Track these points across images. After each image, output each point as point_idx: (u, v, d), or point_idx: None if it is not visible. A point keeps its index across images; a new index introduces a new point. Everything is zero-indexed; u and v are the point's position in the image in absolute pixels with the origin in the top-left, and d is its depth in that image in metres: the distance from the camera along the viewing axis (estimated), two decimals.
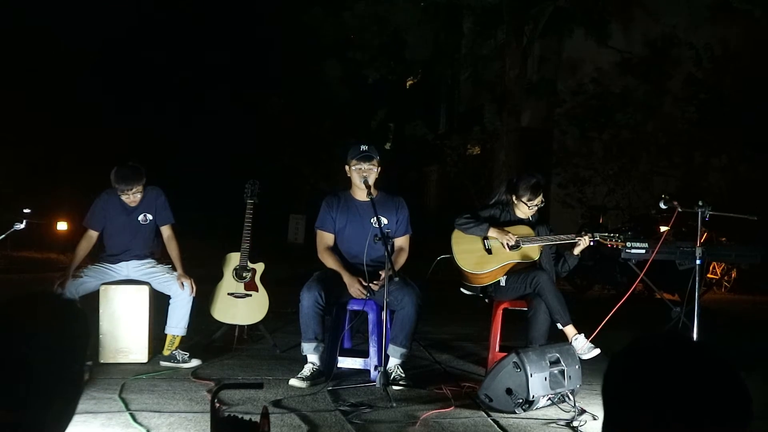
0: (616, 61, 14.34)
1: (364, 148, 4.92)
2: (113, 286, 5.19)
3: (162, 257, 5.43)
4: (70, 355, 1.46)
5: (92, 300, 5.11)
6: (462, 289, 5.22)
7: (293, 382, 4.61)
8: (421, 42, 14.33)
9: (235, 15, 21.36)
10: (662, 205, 4.62)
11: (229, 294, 5.58)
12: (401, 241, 5.04)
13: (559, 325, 4.82)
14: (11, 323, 1.44)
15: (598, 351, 4.74)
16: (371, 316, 4.84)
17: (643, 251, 5.17)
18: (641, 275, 5.06)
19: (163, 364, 5.07)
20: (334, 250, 4.99)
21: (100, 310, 5.11)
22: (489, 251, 5.03)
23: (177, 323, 5.15)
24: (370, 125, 17.44)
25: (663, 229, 8.09)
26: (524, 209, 5.10)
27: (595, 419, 4.09)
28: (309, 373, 4.65)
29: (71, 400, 1.47)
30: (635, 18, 14.65)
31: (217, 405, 2.09)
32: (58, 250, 12.34)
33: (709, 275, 9.82)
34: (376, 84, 17.88)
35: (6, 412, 1.37)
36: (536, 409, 4.17)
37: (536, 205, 5.08)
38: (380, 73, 15.48)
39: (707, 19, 13.61)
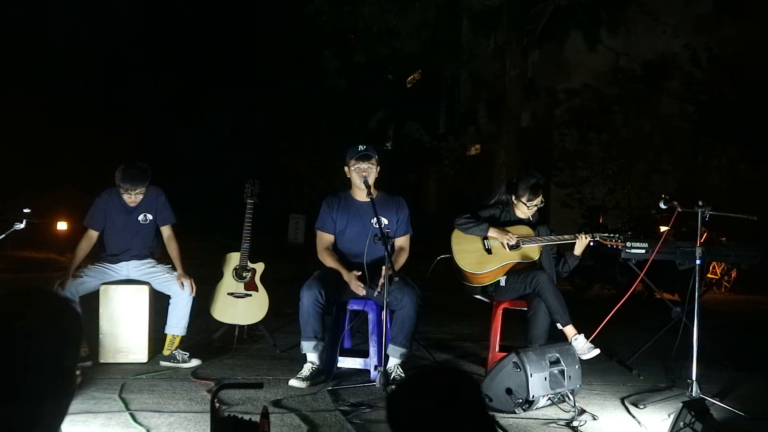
0: (614, 63, 14.33)
1: (362, 147, 4.92)
2: (113, 286, 5.19)
3: (162, 257, 5.43)
4: (62, 351, 1.46)
5: (92, 300, 5.11)
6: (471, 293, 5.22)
7: (293, 382, 4.61)
8: (419, 38, 14.32)
9: (234, 13, 21.35)
10: (662, 205, 4.61)
11: (229, 294, 5.58)
12: (401, 241, 5.04)
13: (559, 325, 4.82)
14: (4, 318, 1.44)
15: (597, 351, 4.74)
16: (371, 316, 4.84)
17: (643, 251, 5.16)
18: (641, 275, 5.05)
19: (163, 363, 5.07)
20: (334, 250, 4.99)
21: (100, 310, 5.11)
22: (489, 251, 5.03)
23: (177, 323, 5.15)
24: (368, 127, 17.44)
25: (663, 229, 8.08)
26: (524, 209, 5.10)
27: (595, 419, 4.09)
28: (308, 373, 4.65)
29: (64, 397, 1.47)
30: (634, 18, 14.64)
31: (217, 405, 2.09)
32: (58, 250, 12.32)
33: (709, 275, 9.82)
34: (376, 84, 17.86)
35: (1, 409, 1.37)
36: (536, 409, 4.17)
37: (536, 205, 5.08)
38: (369, 58, 15.44)
39: (705, 19, 13.62)
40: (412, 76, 21.22)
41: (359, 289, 4.74)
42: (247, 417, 2.07)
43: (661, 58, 13.91)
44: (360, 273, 4.74)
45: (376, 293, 4.70)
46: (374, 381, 4.50)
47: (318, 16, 14.93)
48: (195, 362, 5.12)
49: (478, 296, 5.23)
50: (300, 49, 17.81)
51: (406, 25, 14.09)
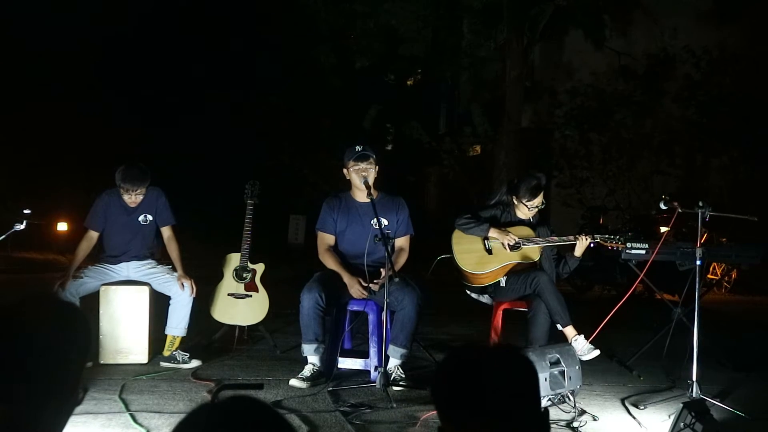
0: (614, 63, 14.32)
1: (359, 148, 4.92)
2: (113, 287, 5.19)
3: (162, 258, 5.43)
4: (67, 355, 1.47)
5: (92, 301, 5.11)
6: (468, 292, 5.22)
7: (293, 382, 4.61)
8: (418, 38, 14.31)
9: (233, 13, 21.33)
10: (662, 206, 4.61)
11: (229, 294, 5.58)
12: (402, 242, 5.04)
13: (559, 326, 4.82)
14: (11, 319, 1.46)
15: (598, 352, 4.74)
16: (371, 317, 4.84)
17: (644, 252, 5.16)
18: (641, 276, 5.06)
19: (163, 364, 5.07)
20: (335, 251, 5.00)
21: (101, 311, 5.11)
22: (489, 251, 5.03)
23: (177, 324, 5.15)
24: (362, 125, 17.39)
25: (663, 229, 8.08)
26: (524, 210, 5.10)
27: (595, 420, 4.09)
28: (309, 374, 4.65)
29: (66, 401, 1.48)
30: (634, 19, 14.63)
31: None
32: (58, 251, 12.33)
33: (709, 276, 9.81)
34: (376, 84, 17.82)
35: (2, 407, 1.39)
36: None
37: (536, 206, 5.08)
38: (369, 61, 15.42)
39: (706, 21, 13.62)
40: (412, 78, 21.20)
41: (360, 294, 4.75)
42: None
43: (663, 52, 13.88)
44: (366, 284, 4.74)
45: (376, 290, 4.71)
46: (374, 382, 4.50)
47: (315, 14, 14.93)
48: (195, 363, 5.12)
49: (477, 297, 5.24)
50: (298, 46, 17.80)
51: (402, 18, 14.06)
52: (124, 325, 5.13)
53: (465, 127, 15.56)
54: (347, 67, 15.92)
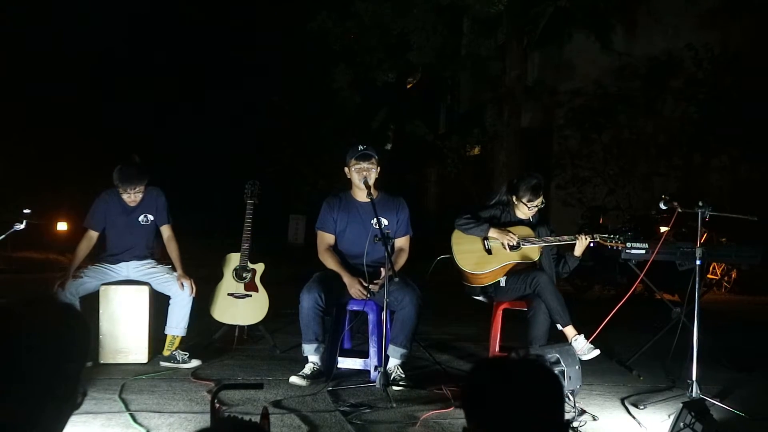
0: (615, 64, 14.31)
1: (362, 147, 4.93)
2: (113, 287, 5.19)
3: (162, 257, 5.43)
4: (65, 357, 1.48)
5: (92, 300, 5.11)
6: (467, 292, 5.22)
7: (293, 379, 4.62)
8: (427, 44, 14.31)
9: (235, 15, 21.33)
10: (662, 206, 4.61)
11: (229, 294, 5.58)
12: (401, 242, 5.04)
13: (559, 326, 4.82)
14: (12, 324, 1.46)
15: (598, 352, 4.74)
16: (371, 317, 4.84)
17: (643, 252, 5.16)
18: (641, 276, 5.06)
19: (163, 364, 5.07)
20: (335, 250, 5.00)
21: (100, 311, 5.11)
22: (489, 251, 5.03)
23: (177, 324, 5.15)
24: (371, 126, 17.42)
25: (663, 229, 8.08)
26: (524, 210, 5.10)
27: (595, 420, 4.09)
28: (309, 372, 4.66)
29: (64, 403, 1.48)
30: (636, 19, 14.62)
31: (217, 405, 2.09)
32: (58, 251, 12.33)
33: (709, 276, 9.81)
34: (376, 84, 17.82)
35: (1, 408, 1.39)
36: None
37: (536, 206, 5.09)
38: (389, 76, 15.48)
39: (707, 19, 13.61)
40: (412, 78, 21.20)
41: (360, 295, 4.75)
42: (247, 417, 2.07)
43: (666, 54, 13.88)
44: (366, 285, 4.74)
45: (376, 291, 4.71)
46: (374, 381, 4.50)
47: (324, 34, 14.92)
48: (195, 363, 5.12)
49: (477, 297, 5.24)
50: (307, 66, 17.83)
51: (413, 26, 14.06)
52: (123, 325, 5.13)
53: (472, 126, 15.56)
54: (359, 75, 15.92)
